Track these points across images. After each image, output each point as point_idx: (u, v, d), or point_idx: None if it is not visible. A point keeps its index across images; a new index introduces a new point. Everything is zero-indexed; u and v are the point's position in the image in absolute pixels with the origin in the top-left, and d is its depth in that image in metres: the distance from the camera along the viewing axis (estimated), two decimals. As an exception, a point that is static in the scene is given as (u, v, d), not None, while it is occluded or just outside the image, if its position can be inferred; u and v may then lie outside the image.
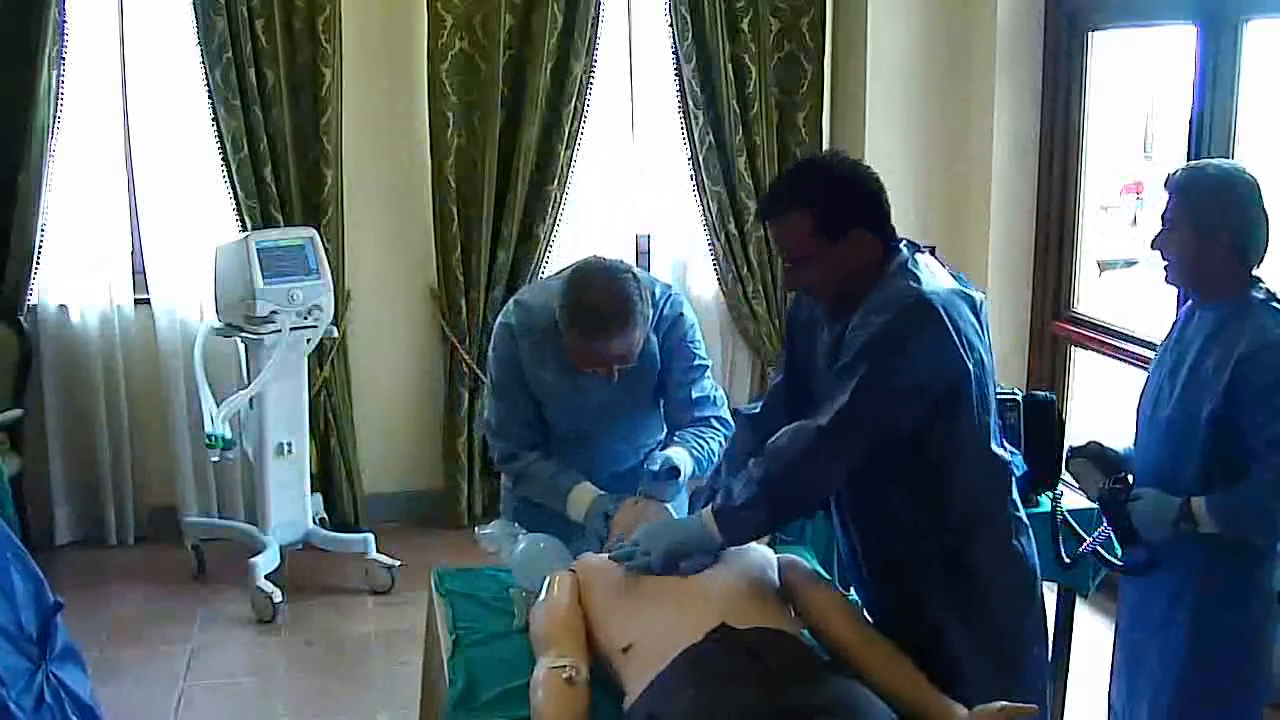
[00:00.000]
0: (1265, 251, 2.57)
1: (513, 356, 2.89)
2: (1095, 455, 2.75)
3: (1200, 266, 2.57)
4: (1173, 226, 2.57)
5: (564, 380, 2.86)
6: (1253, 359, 2.46)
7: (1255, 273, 2.57)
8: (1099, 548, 2.79)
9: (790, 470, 2.23)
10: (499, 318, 2.95)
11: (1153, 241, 2.65)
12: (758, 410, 2.64)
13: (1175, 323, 2.72)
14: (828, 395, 2.21)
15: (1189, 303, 2.70)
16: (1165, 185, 2.62)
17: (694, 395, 2.92)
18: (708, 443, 2.89)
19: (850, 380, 2.16)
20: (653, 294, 2.82)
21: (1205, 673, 2.64)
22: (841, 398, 2.17)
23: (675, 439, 2.92)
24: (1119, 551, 2.79)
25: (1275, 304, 2.53)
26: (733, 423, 2.86)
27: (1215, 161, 2.63)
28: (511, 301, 2.98)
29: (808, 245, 2.26)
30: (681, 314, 2.93)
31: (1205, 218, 2.53)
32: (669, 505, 2.78)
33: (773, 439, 2.27)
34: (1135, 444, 2.77)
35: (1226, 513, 2.50)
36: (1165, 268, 2.64)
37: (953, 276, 2.33)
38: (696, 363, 2.93)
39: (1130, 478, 2.69)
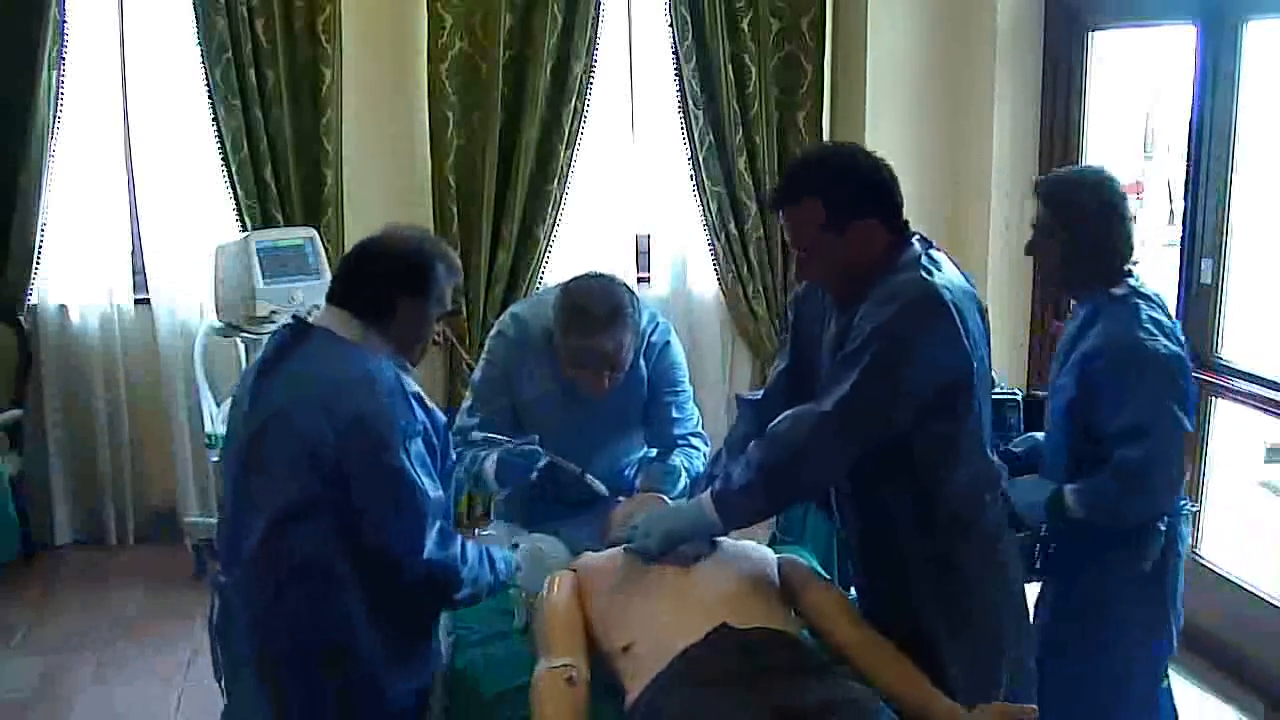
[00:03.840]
0: (1132, 249, 2.68)
1: (506, 364, 2.97)
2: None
3: (1076, 270, 2.67)
4: (1047, 233, 2.67)
5: (552, 396, 2.93)
6: (1098, 355, 2.59)
7: (1127, 269, 2.67)
8: (1049, 553, 2.82)
9: (790, 455, 2.22)
10: (494, 328, 3.05)
11: (1026, 248, 2.74)
12: (759, 397, 2.65)
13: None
14: (831, 381, 2.20)
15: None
16: (1035, 192, 2.72)
17: (674, 415, 3.04)
18: (693, 462, 2.99)
19: (856, 366, 2.16)
20: (642, 319, 2.93)
21: (1061, 648, 2.71)
22: (846, 383, 2.16)
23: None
24: None
25: (1136, 300, 2.62)
26: (710, 441, 3.02)
27: (1080, 167, 2.74)
28: (508, 314, 3.09)
29: (817, 235, 2.26)
30: (669, 342, 3.05)
31: (1081, 223, 2.63)
32: (667, 497, 2.80)
33: (774, 423, 2.27)
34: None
35: (1086, 500, 2.61)
36: (1039, 273, 2.72)
37: (962, 275, 2.33)
38: (680, 388, 3.07)
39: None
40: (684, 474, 2.92)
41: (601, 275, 2.92)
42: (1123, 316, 2.60)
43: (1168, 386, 2.56)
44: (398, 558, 2.18)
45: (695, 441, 3.05)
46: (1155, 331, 2.58)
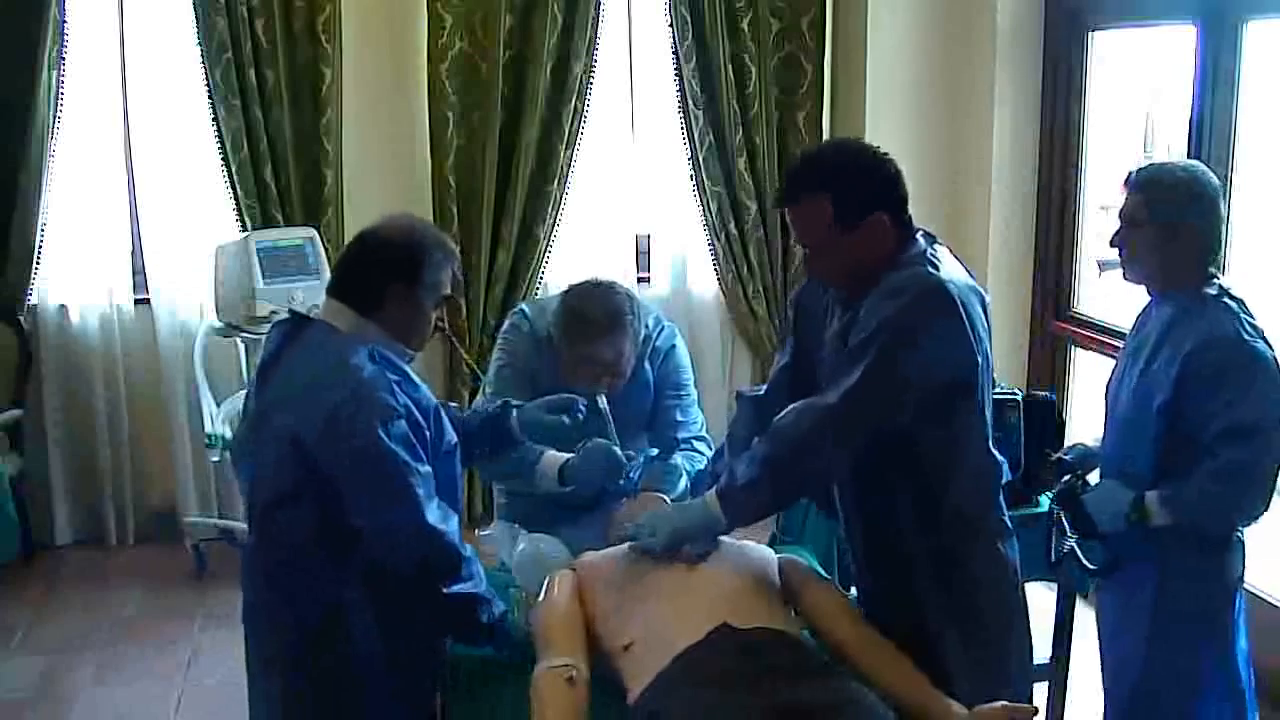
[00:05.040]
0: (1222, 245, 2.63)
1: (527, 356, 2.97)
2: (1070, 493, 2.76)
3: (1164, 264, 2.59)
4: (1136, 224, 2.60)
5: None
6: (1201, 352, 2.50)
7: (1211, 269, 2.61)
8: (1076, 547, 2.78)
9: (795, 449, 2.22)
10: (509, 318, 3.08)
11: (1112, 239, 2.67)
12: (761, 392, 2.65)
13: (1139, 316, 2.76)
14: (836, 375, 2.20)
15: (1150, 297, 2.73)
16: (1126, 183, 2.65)
17: (677, 418, 3.04)
18: (694, 465, 2.97)
19: (861, 361, 2.15)
20: (647, 324, 2.95)
21: (1167, 664, 2.65)
22: (851, 378, 2.15)
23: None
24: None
25: (1227, 299, 2.56)
26: (713, 444, 2.98)
27: (1177, 160, 2.68)
28: (519, 309, 3.10)
29: (824, 231, 2.25)
30: (674, 346, 3.05)
31: (1173, 215, 2.56)
32: (668, 498, 2.80)
33: (778, 418, 2.26)
34: (1103, 438, 2.81)
35: (1177, 504, 2.54)
36: (1124, 265, 2.67)
37: (965, 271, 2.33)
38: (684, 391, 3.07)
39: (1096, 472, 2.76)
40: (684, 475, 2.92)
41: (602, 282, 2.91)
42: (1223, 315, 2.53)
43: (1275, 389, 2.50)
44: (396, 532, 2.20)
45: (699, 445, 3.04)
46: (1256, 334, 2.53)
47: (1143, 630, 2.67)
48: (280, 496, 2.25)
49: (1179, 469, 2.54)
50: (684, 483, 2.91)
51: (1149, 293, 2.70)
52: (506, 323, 3.08)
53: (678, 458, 2.97)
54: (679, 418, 3.04)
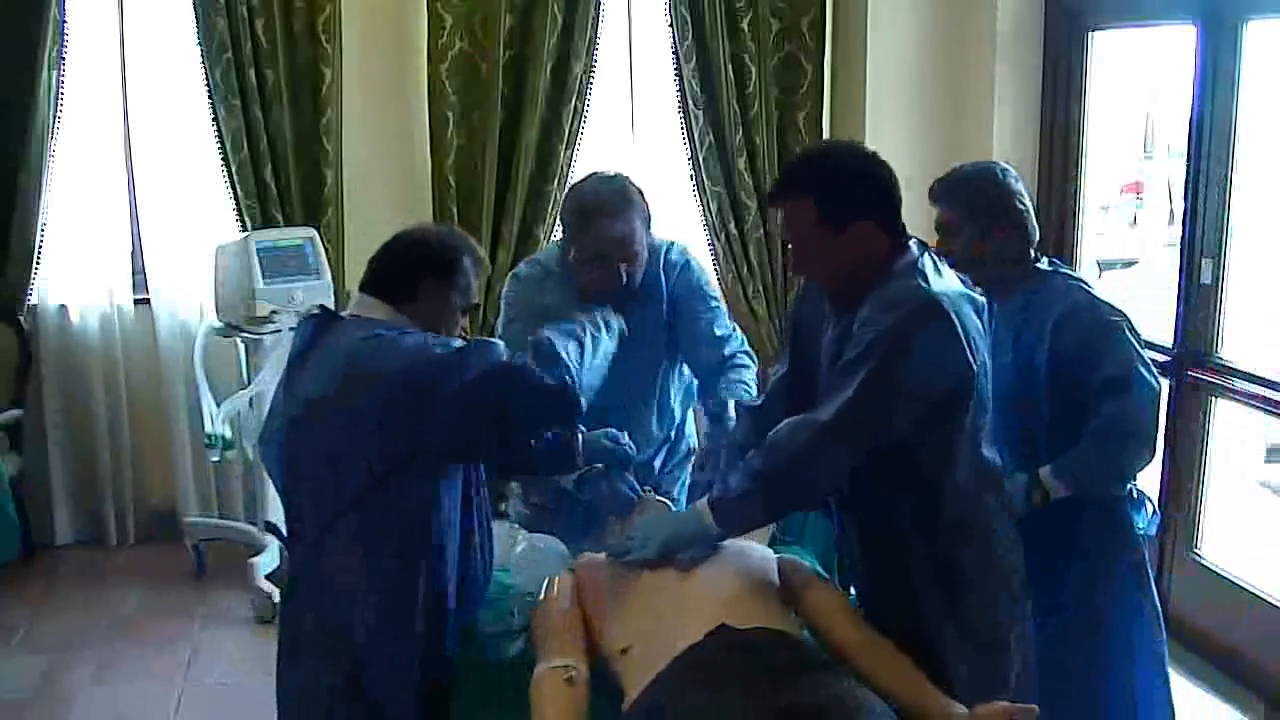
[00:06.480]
0: (1038, 233, 2.75)
1: (529, 302, 2.92)
2: None
3: (994, 262, 2.68)
4: (953, 231, 2.70)
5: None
6: (1066, 321, 2.64)
7: (1035, 251, 2.75)
8: None
9: (789, 464, 2.21)
10: (509, 276, 3.05)
11: (943, 255, 2.68)
12: (759, 403, 2.64)
13: None
14: (830, 390, 2.20)
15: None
16: (931, 197, 2.75)
17: (717, 332, 2.97)
18: (748, 385, 2.91)
19: (855, 376, 2.15)
20: (654, 242, 2.90)
21: (1082, 631, 2.71)
22: (845, 393, 2.15)
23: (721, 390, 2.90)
24: None
25: (1063, 271, 2.73)
26: (754, 360, 2.98)
27: (969, 163, 2.77)
28: (520, 264, 3.11)
29: (809, 233, 2.25)
30: (689, 260, 3.00)
31: (988, 216, 2.67)
32: (669, 502, 2.78)
33: (773, 431, 2.25)
34: None
35: (1069, 471, 2.62)
36: (960, 270, 2.70)
37: (959, 279, 2.33)
38: (715, 300, 3.01)
39: None
40: (723, 417, 2.77)
41: (604, 172, 2.91)
42: (1073, 283, 2.70)
43: (1137, 345, 2.65)
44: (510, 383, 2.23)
45: (743, 359, 2.97)
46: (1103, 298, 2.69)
47: (1060, 606, 2.70)
48: (370, 482, 2.20)
49: (1071, 442, 2.63)
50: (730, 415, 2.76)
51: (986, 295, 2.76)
52: (505, 290, 3.01)
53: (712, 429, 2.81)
54: (718, 332, 2.95)
